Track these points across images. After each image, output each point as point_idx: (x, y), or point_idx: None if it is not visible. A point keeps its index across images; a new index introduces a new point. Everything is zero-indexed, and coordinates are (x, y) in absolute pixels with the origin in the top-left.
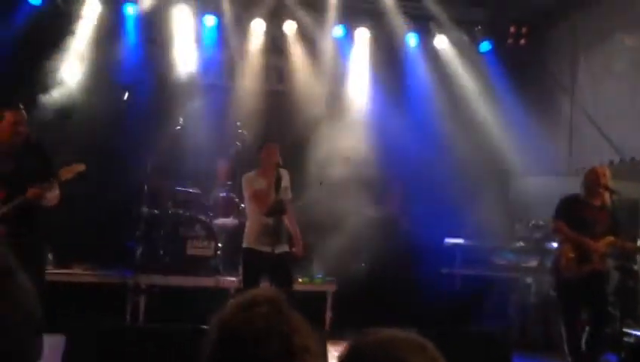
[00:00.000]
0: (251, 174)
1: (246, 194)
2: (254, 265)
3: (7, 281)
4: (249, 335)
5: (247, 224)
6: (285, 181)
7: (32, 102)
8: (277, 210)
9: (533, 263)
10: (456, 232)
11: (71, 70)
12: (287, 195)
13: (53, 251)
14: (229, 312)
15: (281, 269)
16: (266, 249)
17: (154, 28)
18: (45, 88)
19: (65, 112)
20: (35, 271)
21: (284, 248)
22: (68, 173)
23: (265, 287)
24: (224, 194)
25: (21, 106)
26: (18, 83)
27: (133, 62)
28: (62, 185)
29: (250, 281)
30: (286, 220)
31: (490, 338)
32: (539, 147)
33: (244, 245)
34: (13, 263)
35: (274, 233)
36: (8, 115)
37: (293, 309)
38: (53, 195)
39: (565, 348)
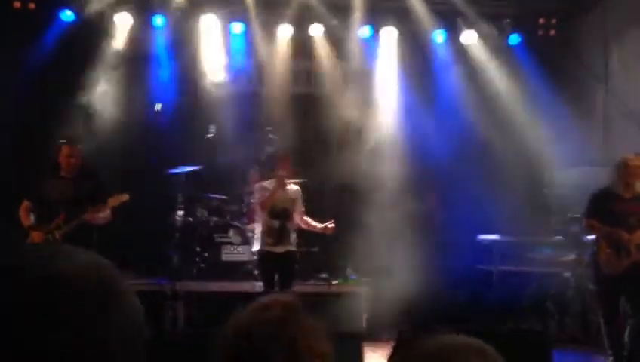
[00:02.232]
0: (264, 183)
1: (254, 200)
2: (266, 266)
3: (114, 300)
4: (260, 337)
5: (258, 229)
6: (293, 194)
7: (65, 116)
8: (280, 215)
9: (571, 257)
10: (491, 228)
11: (104, 83)
12: (298, 207)
13: None
14: (244, 315)
15: (284, 268)
16: (271, 248)
17: (183, 38)
18: (80, 102)
19: (99, 124)
20: None
21: (287, 247)
22: (114, 201)
23: (282, 293)
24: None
25: (77, 141)
26: (52, 97)
27: (164, 73)
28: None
29: (266, 281)
30: (294, 225)
31: (530, 337)
32: (573, 138)
33: (256, 249)
34: (122, 281)
35: (278, 234)
36: (64, 149)
37: (308, 313)
38: (104, 216)
39: (605, 342)
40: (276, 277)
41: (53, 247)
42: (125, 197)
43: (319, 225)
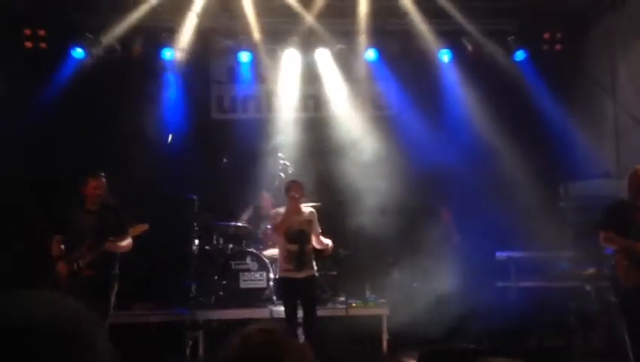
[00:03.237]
0: (279, 210)
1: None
2: (287, 293)
3: (85, 348)
4: None
5: (278, 255)
6: (308, 216)
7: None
8: (297, 238)
9: (590, 270)
10: (508, 244)
11: (116, 115)
12: (315, 229)
13: None
14: (229, 349)
15: (306, 293)
16: (292, 275)
17: (193, 69)
18: (93, 134)
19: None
20: (103, 306)
21: (309, 272)
22: (135, 231)
23: (264, 321)
24: (271, 226)
25: (101, 174)
26: (66, 131)
27: (175, 104)
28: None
29: (288, 308)
30: (312, 249)
31: (554, 353)
32: (586, 151)
33: (277, 276)
34: (94, 326)
35: (298, 259)
36: (90, 181)
37: (289, 338)
38: (126, 244)
39: (631, 355)
40: (298, 302)
41: (28, 295)
42: (145, 226)
43: (327, 242)
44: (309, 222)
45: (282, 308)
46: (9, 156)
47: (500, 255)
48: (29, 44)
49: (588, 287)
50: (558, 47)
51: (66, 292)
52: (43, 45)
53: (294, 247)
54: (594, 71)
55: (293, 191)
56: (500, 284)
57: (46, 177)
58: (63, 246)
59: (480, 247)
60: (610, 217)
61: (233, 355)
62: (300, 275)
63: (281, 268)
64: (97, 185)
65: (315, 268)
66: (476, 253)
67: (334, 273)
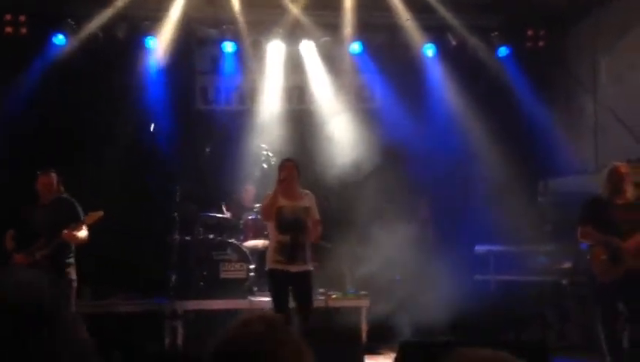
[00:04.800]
0: (269, 193)
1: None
2: (277, 285)
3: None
4: (240, 354)
5: (268, 244)
6: (306, 202)
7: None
8: (291, 228)
9: (567, 265)
10: (487, 238)
11: (98, 104)
12: (313, 216)
13: (90, 285)
14: (226, 333)
15: (301, 289)
16: (283, 267)
17: (176, 57)
18: (74, 122)
19: (93, 147)
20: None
21: (302, 267)
22: (90, 219)
23: (266, 310)
24: (253, 216)
25: (51, 170)
26: (46, 118)
27: (157, 93)
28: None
29: (278, 301)
30: (308, 239)
31: (530, 347)
32: (565, 147)
33: (266, 267)
34: (58, 302)
35: (290, 251)
36: (40, 178)
37: (291, 332)
38: (83, 236)
39: (605, 348)
40: (290, 297)
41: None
42: (100, 214)
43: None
44: (306, 209)
45: (262, 299)
46: None
47: (480, 248)
48: (9, 30)
49: (564, 281)
50: (541, 44)
51: None
52: (23, 31)
53: (285, 238)
54: (576, 68)
55: (283, 171)
56: (478, 277)
57: (22, 166)
58: (14, 242)
59: (460, 240)
60: (587, 213)
61: (228, 338)
62: (293, 269)
63: (270, 259)
64: (46, 181)
65: (310, 261)
66: (455, 246)
67: (315, 265)
